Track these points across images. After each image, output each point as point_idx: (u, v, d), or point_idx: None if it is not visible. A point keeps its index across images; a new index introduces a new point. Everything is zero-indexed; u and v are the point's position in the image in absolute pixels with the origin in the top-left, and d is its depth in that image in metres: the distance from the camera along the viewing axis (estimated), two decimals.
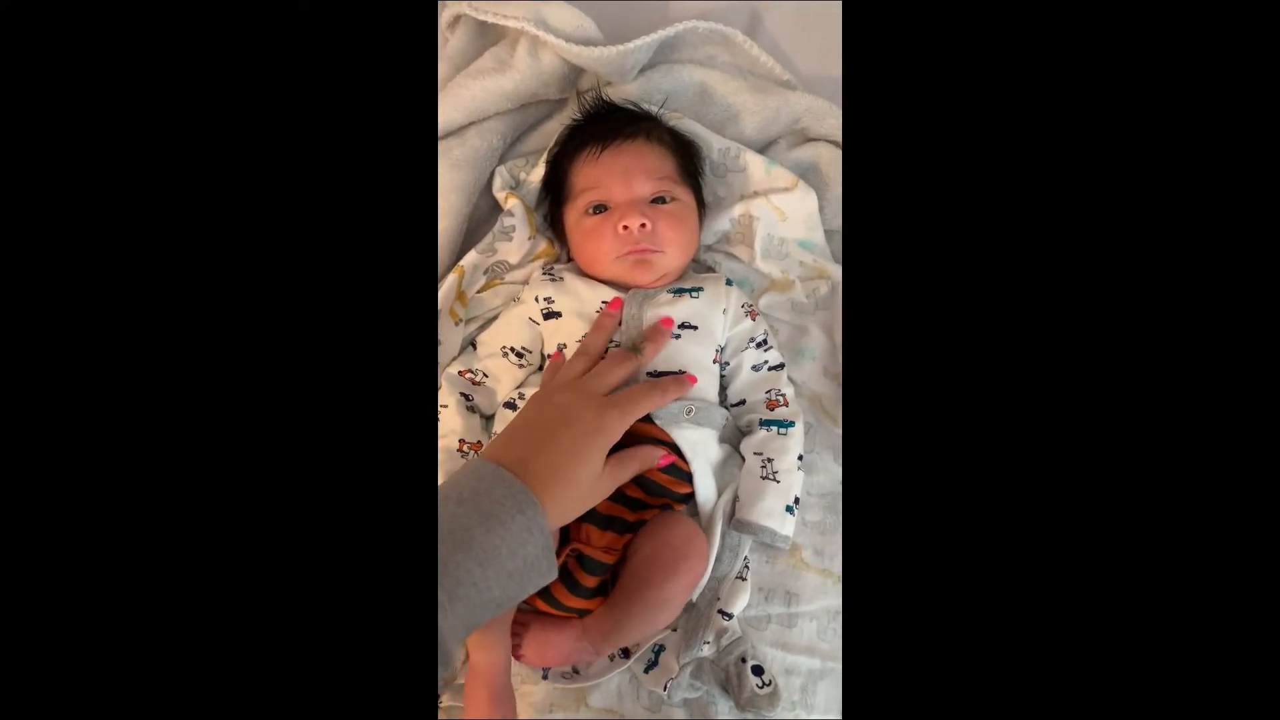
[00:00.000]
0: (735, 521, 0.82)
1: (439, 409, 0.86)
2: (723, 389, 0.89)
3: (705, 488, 0.82)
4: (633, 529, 0.79)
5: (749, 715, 0.78)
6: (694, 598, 0.81)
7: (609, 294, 0.86)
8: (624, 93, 0.96)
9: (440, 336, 0.88)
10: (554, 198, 0.93)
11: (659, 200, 0.86)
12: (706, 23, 0.95)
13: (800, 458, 0.84)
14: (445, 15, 0.98)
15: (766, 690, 0.77)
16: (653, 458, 0.77)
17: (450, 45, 0.98)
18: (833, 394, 0.92)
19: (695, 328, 0.85)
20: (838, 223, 0.97)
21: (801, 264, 0.96)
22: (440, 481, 0.65)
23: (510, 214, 0.90)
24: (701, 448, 0.82)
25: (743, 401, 0.88)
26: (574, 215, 0.88)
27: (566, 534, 0.77)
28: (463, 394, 0.87)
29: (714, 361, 0.86)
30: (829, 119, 0.97)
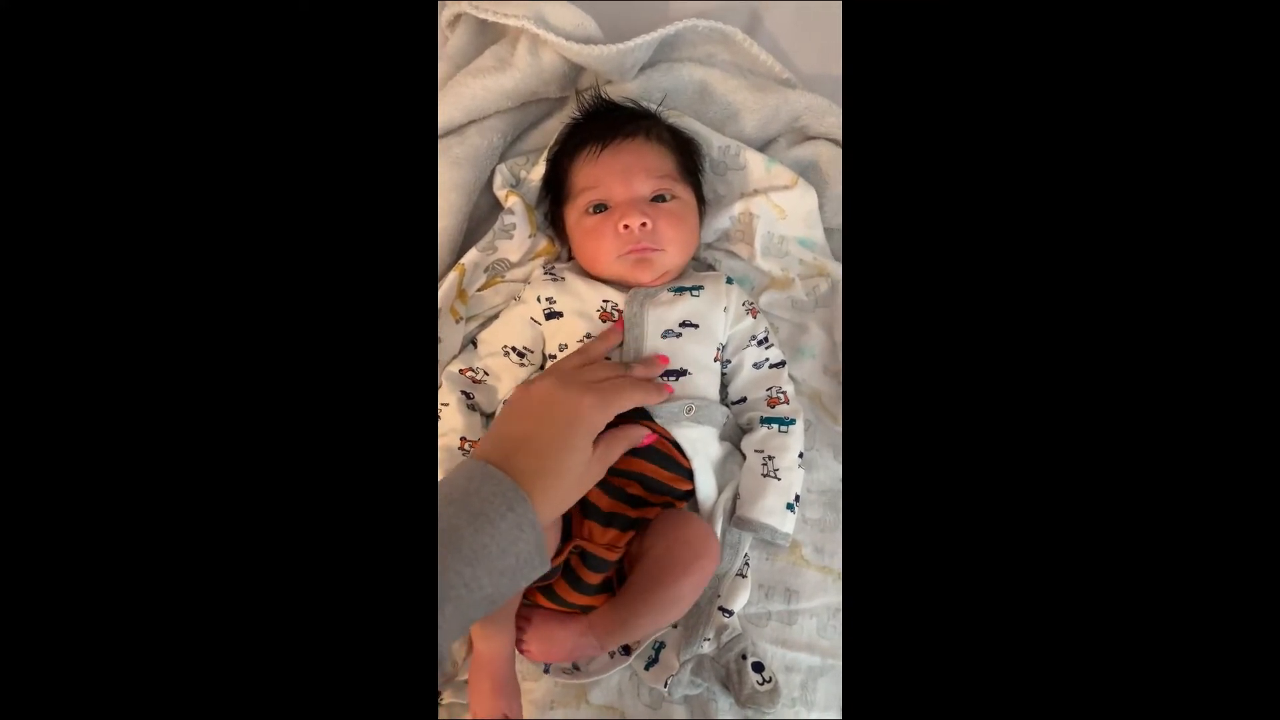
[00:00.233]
0: (736, 519, 0.82)
1: (440, 407, 0.86)
2: (723, 386, 0.90)
3: (706, 485, 0.83)
4: (635, 525, 0.79)
5: (749, 712, 0.79)
6: None
7: (610, 293, 0.86)
8: (624, 91, 0.96)
9: (441, 334, 0.88)
10: (554, 197, 0.93)
11: (659, 199, 0.87)
12: (706, 21, 0.96)
13: (800, 455, 0.85)
14: (446, 14, 0.98)
15: (767, 687, 0.78)
16: (637, 436, 0.76)
17: (450, 44, 0.98)
18: (832, 391, 0.92)
19: (696, 326, 0.85)
20: (837, 220, 0.97)
21: (801, 262, 0.96)
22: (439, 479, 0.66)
23: (511, 212, 0.90)
24: (702, 445, 0.83)
25: (743, 399, 0.88)
26: (574, 214, 0.89)
27: (569, 531, 0.77)
28: (464, 392, 0.87)
29: (714, 360, 0.86)
30: (828, 117, 0.97)
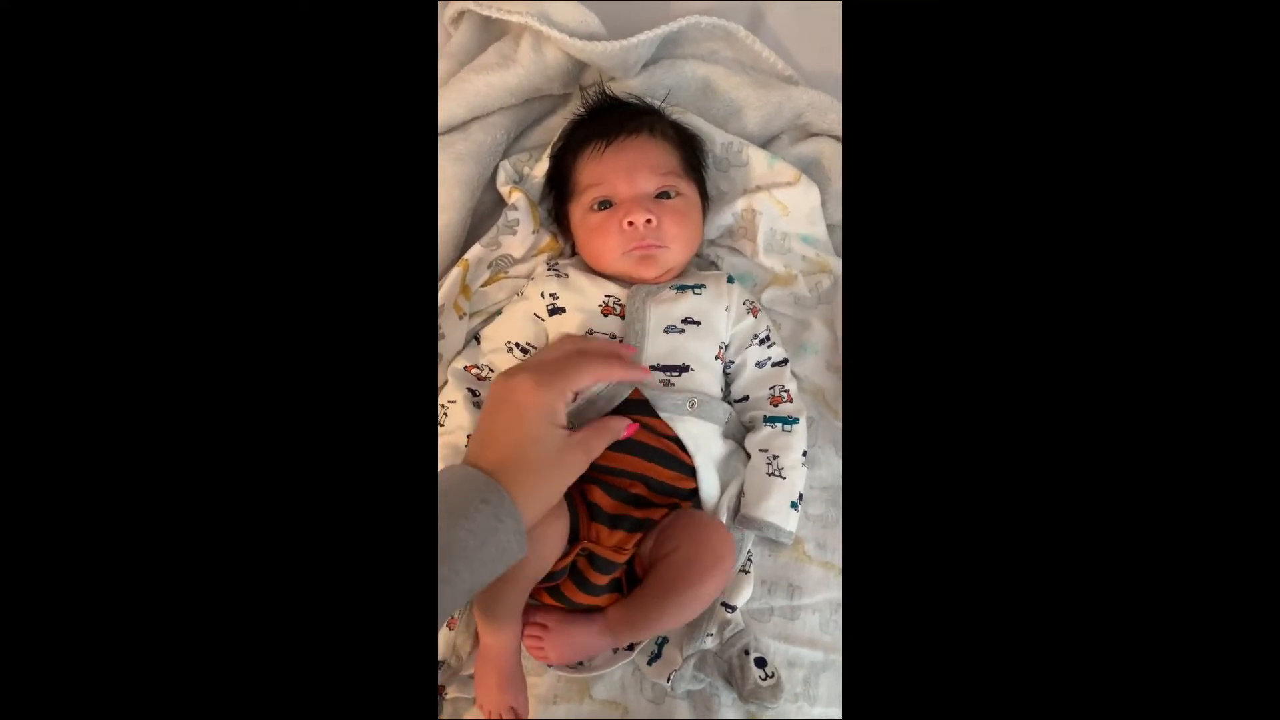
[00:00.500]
0: (741, 518, 0.83)
1: (447, 404, 0.86)
2: (726, 385, 0.90)
3: (709, 482, 0.83)
4: (641, 527, 0.79)
5: (752, 707, 0.79)
6: None
7: (613, 289, 0.86)
8: (627, 88, 0.96)
9: (444, 330, 0.88)
10: (558, 193, 0.93)
11: (663, 195, 0.87)
12: (709, 18, 0.96)
13: (804, 454, 0.85)
14: (449, 11, 0.98)
15: (769, 682, 0.78)
16: (619, 428, 0.75)
17: (454, 41, 0.98)
18: (835, 388, 0.92)
19: (699, 323, 0.85)
20: (840, 217, 0.97)
21: (804, 258, 0.96)
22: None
23: (514, 208, 0.91)
24: (704, 442, 0.83)
25: (746, 398, 0.88)
26: (579, 211, 0.89)
27: (576, 534, 0.77)
28: (469, 389, 0.87)
29: (716, 358, 0.86)
30: (831, 114, 0.97)
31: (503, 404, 0.69)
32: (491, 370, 0.88)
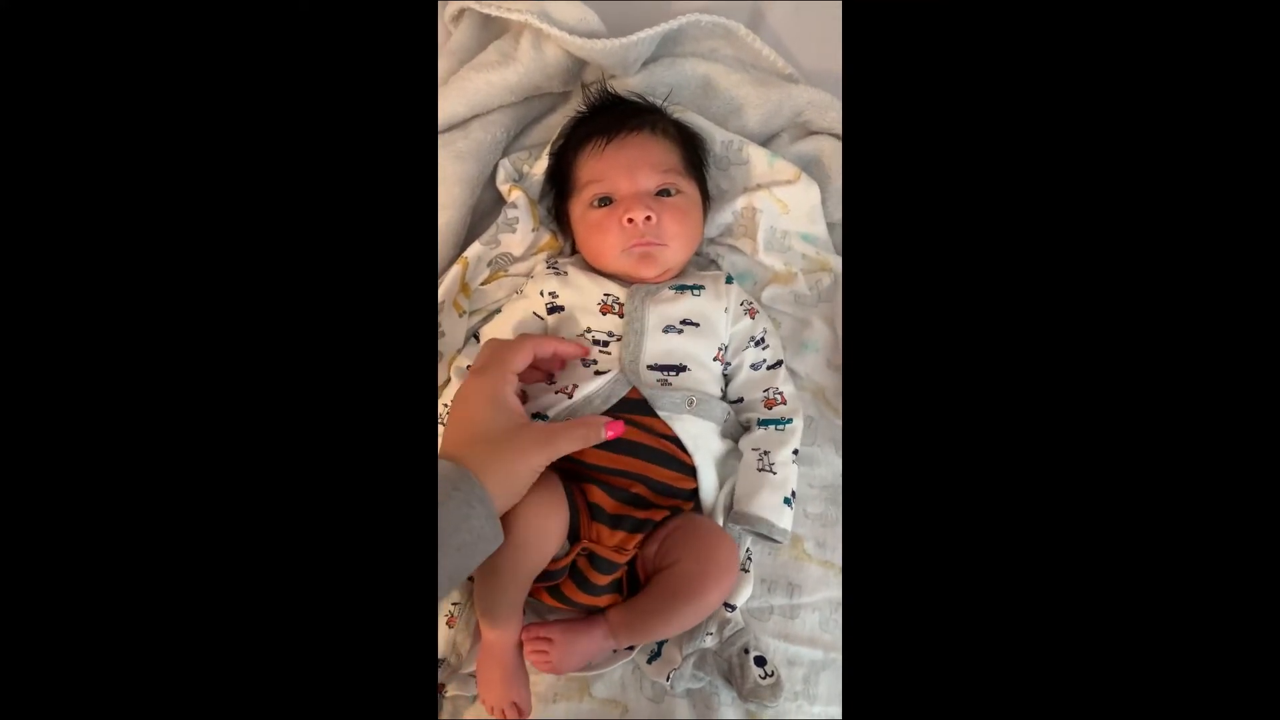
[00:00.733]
0: (734, 514, 0.82)
1: (450, 404, 0.86)
2: (724, 386, 0.90)
3: (708, 481, 0.83)
4: (643, 527, 0.79)
5: (751, 706, 0.79)
6: None
7: (612, 287, 0.86)
8: (627, 85, 0.96)
9: (444, 328, 0.88)
10: (559, 190, 0.93)
11: (664, 193, 0.87)
12: (710, 16, 0.96)
13: (795, 452, 0.84)
14: (450, 9, 0.98)
15: (769, 681, 0.78)
16: (596, 427, 0.73)
17: (454, 39, 0.98)
18: (835, 386, 0.92)
19: (697, 324, 0.85)
20: (840, 215, 0.97)
21: (804, 256, 0.96)
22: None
23: (514, 206, 0.91)
24: (704, 441, 0.83)
25: (741, 399, 0.88)
26: (579, 208, 0.89)
27: (577, 533, 0.77)
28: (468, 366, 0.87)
29: (715, 359, 0.86)
30: (831, 112, 0.97)
31: (456, 401, 0.73)
32: None
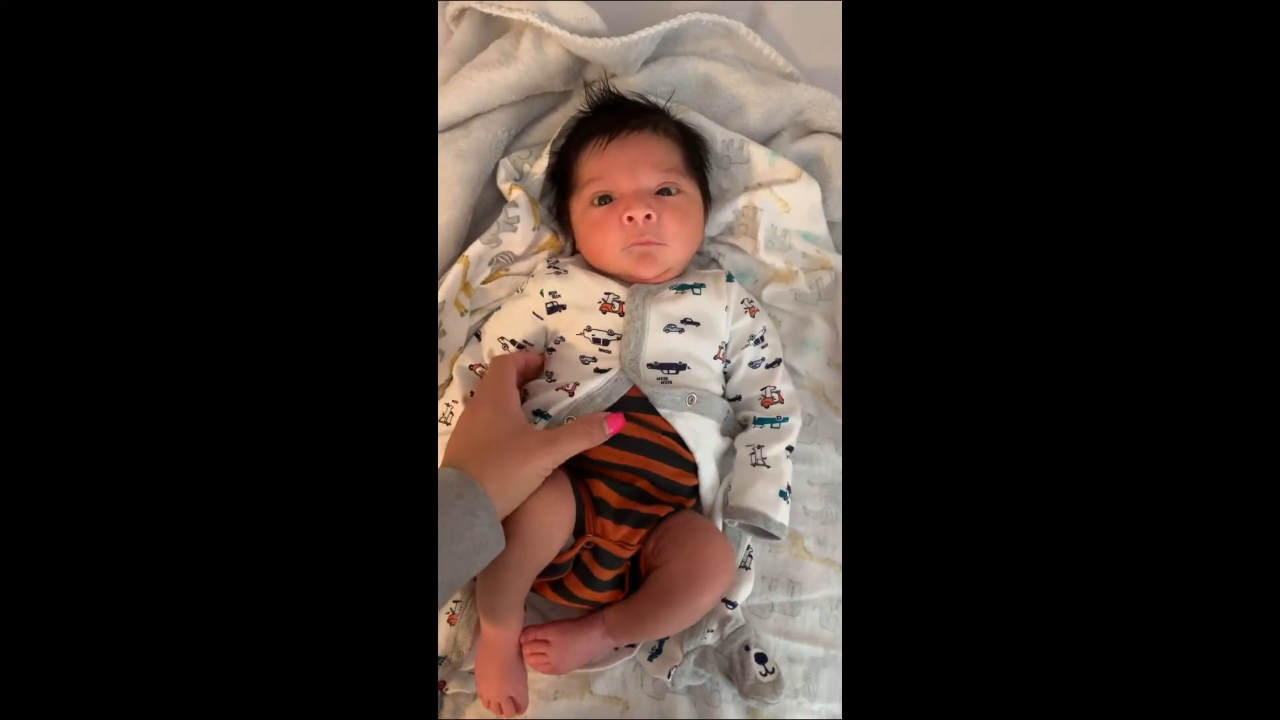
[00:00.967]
0: (730, 509, 0.82)
1: (452, 403, 0.86)
2: (724, 384, 0.90)
3: (709, 478, 0.83)
4: (647, 522, 0.79)
5: (752, 703, 0.79)
6: None
7: (613, 286, 0.86)
8: (628, 85, 0.96)
9: (446, 327, 0.88)
10: (560, 189, 0.94)
11: (664, 192, 0.87)
12: (710, 15, 0.96)
13: (790, 448, 0.84)
14: (450, 8, 0.98)
15: (770, 678, 0.78)
16: (596, 425, 0.74)
17: (455, 38, 0.98)
18: (836, 384, 0.92)
19: (698, 323, 0.85)
20: (840, 214, 0.97)
21: (805, 255, 0.96)
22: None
23: (514, 205, 0.91)
24: (704, 438, 0.83)
25: (739, 398, 0.88)
26: (580, 206, 0.89)
27: (582, 527, 0.77)
28: (473, 391, 0.87)
29: (715, 358, 0.86)
30: (831, 111, 0.97)
31: (460, 416, 0.77)
32: None
